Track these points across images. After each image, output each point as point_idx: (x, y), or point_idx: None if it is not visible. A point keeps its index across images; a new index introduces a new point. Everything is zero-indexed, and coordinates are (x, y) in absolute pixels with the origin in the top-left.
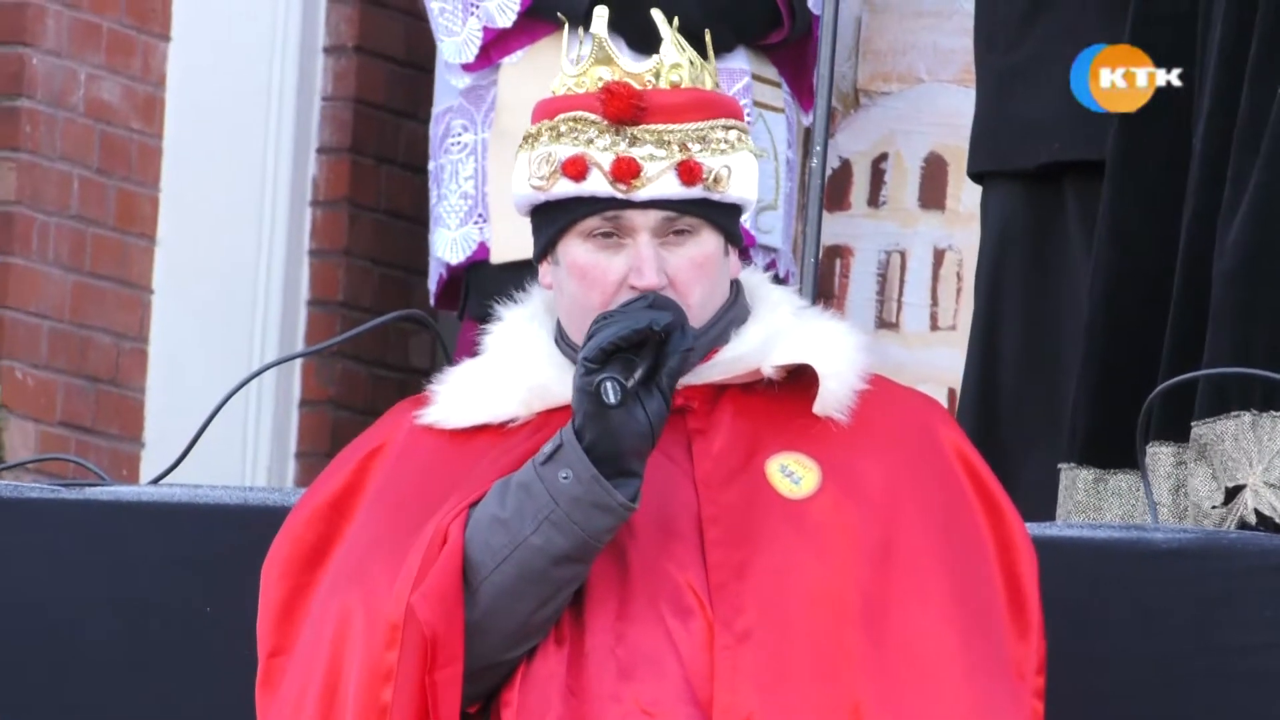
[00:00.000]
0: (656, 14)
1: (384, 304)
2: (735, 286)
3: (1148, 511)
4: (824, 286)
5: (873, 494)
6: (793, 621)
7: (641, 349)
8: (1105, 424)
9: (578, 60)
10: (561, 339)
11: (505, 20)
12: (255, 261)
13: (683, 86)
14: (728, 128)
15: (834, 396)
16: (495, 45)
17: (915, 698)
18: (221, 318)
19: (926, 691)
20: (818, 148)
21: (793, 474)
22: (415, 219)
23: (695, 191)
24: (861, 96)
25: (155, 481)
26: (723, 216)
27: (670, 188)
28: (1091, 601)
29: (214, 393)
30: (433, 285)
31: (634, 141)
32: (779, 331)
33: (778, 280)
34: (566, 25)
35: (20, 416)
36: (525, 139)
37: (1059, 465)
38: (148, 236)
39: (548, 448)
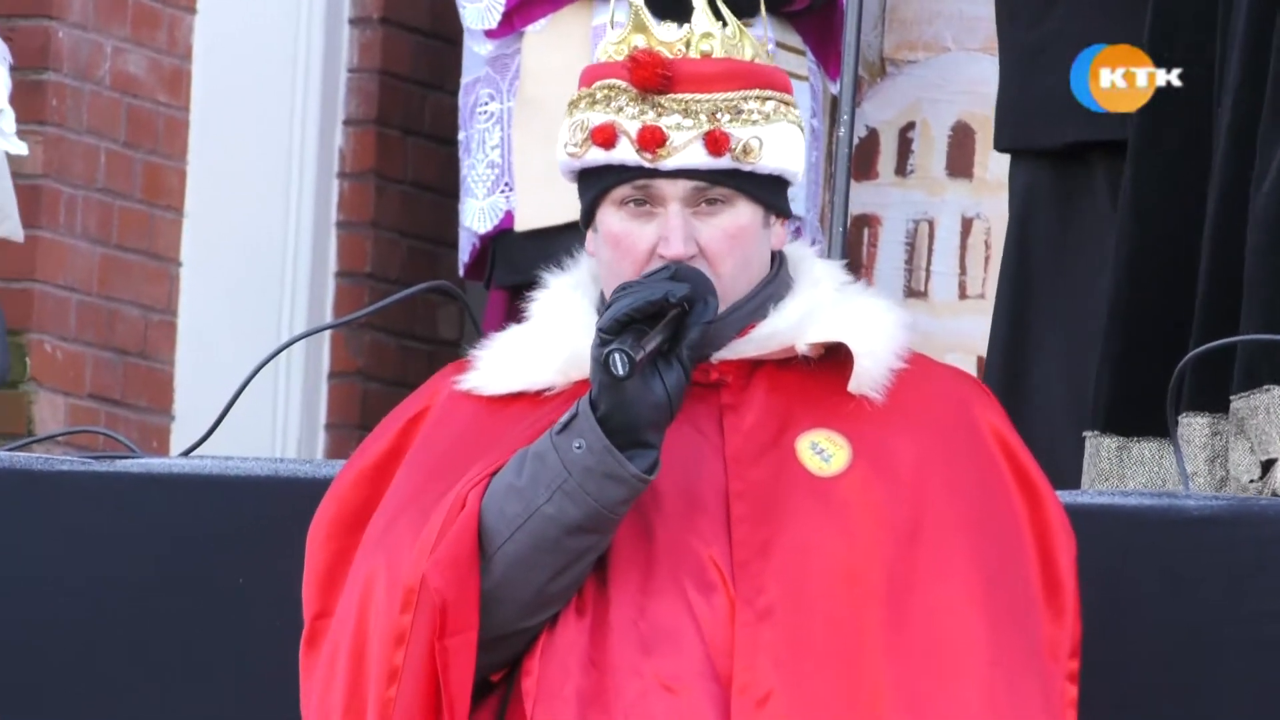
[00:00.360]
0: None
1: (411, 275)
2: (779, 259)
3: (1176, 480)
4: (852, 256)
5: (903, 473)
6: (815, 600)
7: (658, 320)
8: (1129, 393)
9: (616, 27)
10: (603, 307)
11: None
12: (283, 234)
13: (714, 56)
14: (764, 98)
15: (869, 375)
16: (518, 12)
17: (936, 679)
18: (249, 290)
19: (948, 672)
20: (845, 116)
21: (823, 451)
22: (442, 190)
23: (724, 162)
24: (888, 65)
25: (186, 454)
26: (759, 188)
27: (697, 157)
28: (1122, 569)
29: (243, 365)
30: (464, 256)
31: (661, 110)
32: (817, 308)
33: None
34: None
35: (49, 389)
36: (569, 105)
37: (1084, 433)
38: (175, 209)
39: (565, 417)
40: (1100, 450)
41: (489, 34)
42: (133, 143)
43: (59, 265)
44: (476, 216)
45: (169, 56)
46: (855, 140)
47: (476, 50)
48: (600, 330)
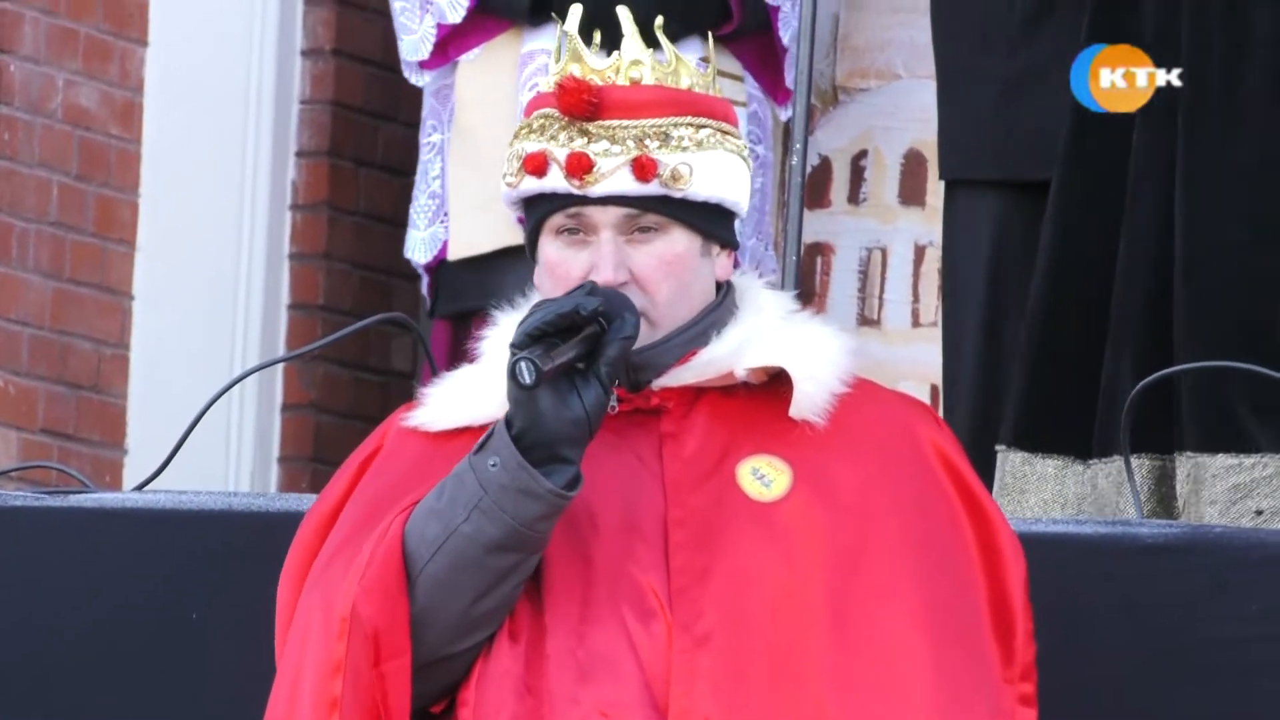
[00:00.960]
0: (621, 10)
1: (365, 307)
2: (725, 289)
3: (1076, 501)
4: (805, 284)
5: (845, 497)
6: (754, 626)
7: (572, 335)
8: (1036, 408)
9: (558, 58)
10: None
11: (455, 16)
12: (235, 266)
13: (644, 83)
14: (697, 126)
15: (809, 400)
16: (452, 42)
17: (880, 703)
18: (202, 323)
19: (892, 696)
20: (797, 145)
21: (764, 476)
22: (395, 221)
23: (652, 188)
24: (840, 93)
25: (139, 488)
26: (695, 216)
27: (625, 184)
28: (1078, 598)
29: (196, 398)
30: (425, 289)
31: (590, 137)
32: (757, 334)
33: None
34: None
35: (2, 425)
36: (512, 137)
37: (995, 446)
38: (127, 242)
39: (483, 438)
40: (1005, 464)
41: (423, 65)
42: (85, 175)
43: (11, 299)
44: (418, 247)
45: (121, 89)
46: (808, 169)
47: (414, 81)
48: (511, 345)
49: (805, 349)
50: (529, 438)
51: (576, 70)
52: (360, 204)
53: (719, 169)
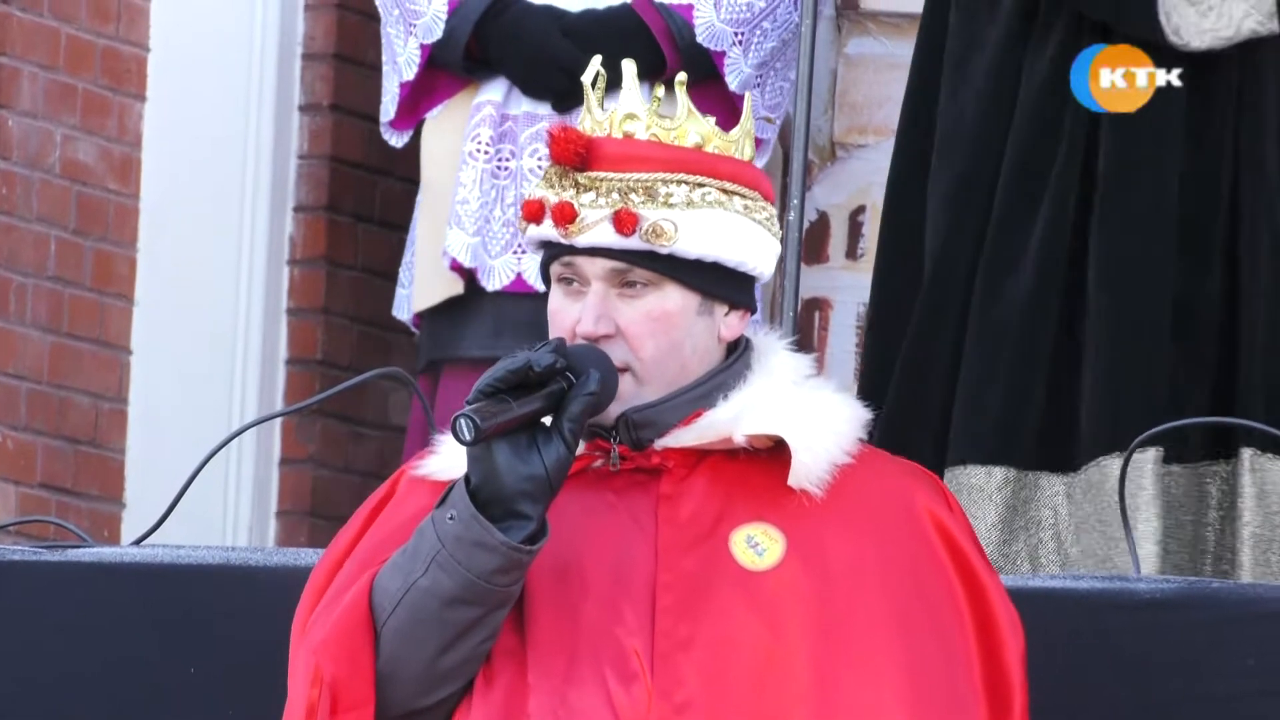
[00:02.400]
0: (627, 64)
1: (363, 362)
2: (742, 348)
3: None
4: (803, 340)
5: (836, 569)
6: (734, 695)
7: (531, 391)
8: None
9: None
10: None
11: (409, 74)
12: (234, 321)
13: (636, 138)
14: (693, 184)
15: (806, 469)
16: (424, 102)
17: None
18: (200, 377)
19: None
20: (795, 200)
21: (758, 545)
22: (392, 276)
23: (633, 242)
24: (838, 149)
25: (137, 542)
26: (689, 274)
27: (606, 236)
28: (1073, 653)
29: (194, 452)
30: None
31: (580, 188)
32: (762, 400)
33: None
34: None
35: (0, 479)
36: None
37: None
38: (125, 297)
39: (444, 492)
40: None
41: (393, 124)
42: (83, 230)
43: (9, 354)
44: (403, 305)
45: (119, 144)
46: (806, 224)
47: (392, 143)
48: (466, 400)
49: (808, 418)
50: (484, 493)
51: (588, 122)
52: (358, 259)
53: (714, 228)
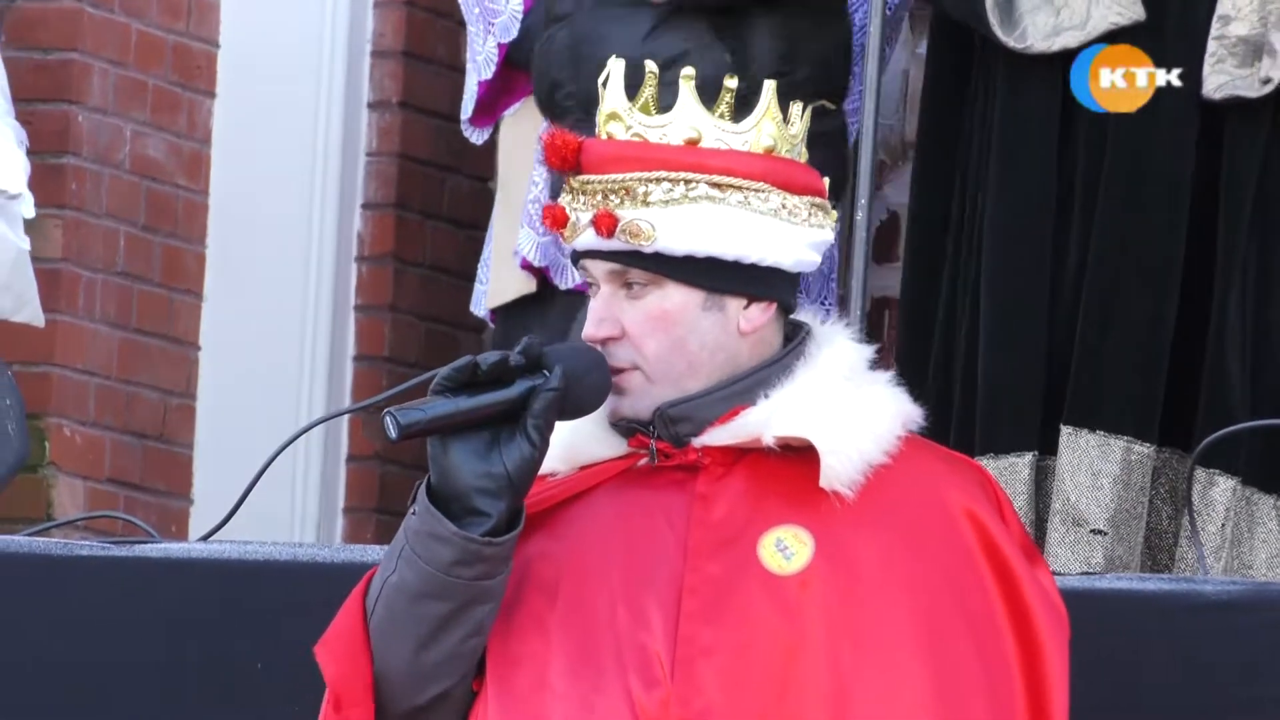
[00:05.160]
0: (614, 62)
1: (430, 359)
2: (800, 339)
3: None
4: (873, 339)
5: (864, 573)
6: (753, 702)
7: (482, 389)
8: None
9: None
10: None
11: (487, 72)
12: (301, 317)
13: (616, 138)
14: (676, 181)
15: (835, 472)
16: (501, 100)
17: None
18: (268, 373)
19: None
20: (863, 200)
21: (786, 548)
22: (460, 274)
23: (616, 244)
24: (909, 149)
25: (205, 538)
26: (687, 271)
27: (592, 239)
28: (1139, 654)
29: (261, 448)
30: None
31: (575, 192)
32: (799, 400)
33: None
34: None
35: (69, 474)
36: None
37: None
38: (194, 293)
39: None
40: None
41: (471, 121)
42: (152, 226)
43: (78, 349)
44: (479, 301)
45: (188, 140)
46: (876, 223)
47: (472, 140)
48: (432, 391)
49: (843, 418)
50: (443, 490)
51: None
52: (426, 256)
53: (701, 223)
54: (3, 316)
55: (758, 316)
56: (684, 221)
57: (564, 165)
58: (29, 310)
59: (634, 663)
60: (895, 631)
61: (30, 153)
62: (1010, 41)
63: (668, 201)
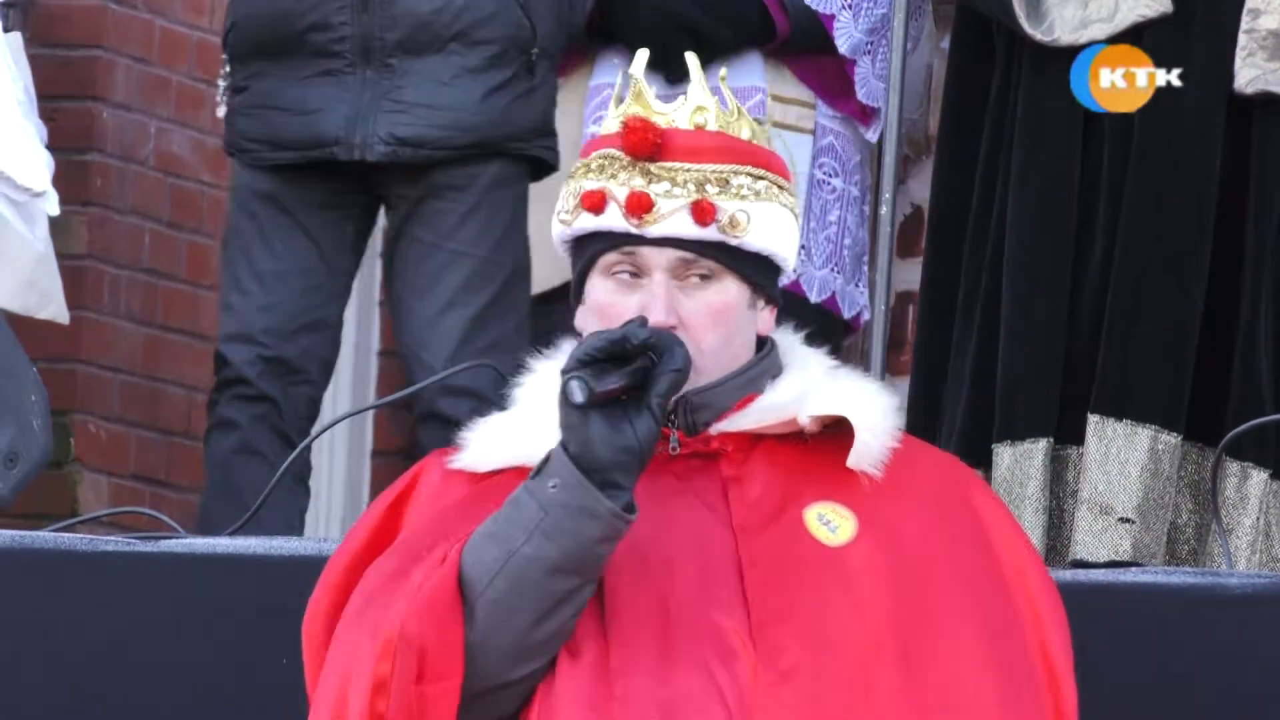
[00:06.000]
0: (690, 57)
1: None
2: (769, 345)
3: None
4: (896, 334)
5: (908, 547)
6: (831, 664)
7: (623, 364)
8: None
9: (619, 101)
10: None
11: None
12: None
13: (707, 129)
14: (756, 176)
15: (868, 450)
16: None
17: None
18: None
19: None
20: (887, 194)
21: (830, 522)
22: None
23: (710, 233)
24: (933, 143)
25: (230, 533)
26: (747, 266)
27: (683, 226)
28: (1165, 647)
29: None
30: None
31: (651, 178)
32: (815, 385)
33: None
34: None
35: (93, 470)
36: (568, 177)
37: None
38: (219, 289)
39: (538, 465)
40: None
41: None
42: (176, 222)
43: (103, 345)
44: None
45: (212, 136)
46: (900, 217)
47: None
48: (563, 371)
49: (860, 402)
50: (583, 461)
51: (639, 111)
52: None
53: (773, 221)
54: (27, 313)
55: (769, 318)
56: (765, 217)
57: (643, 151)
58: (53, 307)
59: (707, 639)
60: (946, 596)
61: (55, 149)
62: (1038, 35)
63: (757, 195)
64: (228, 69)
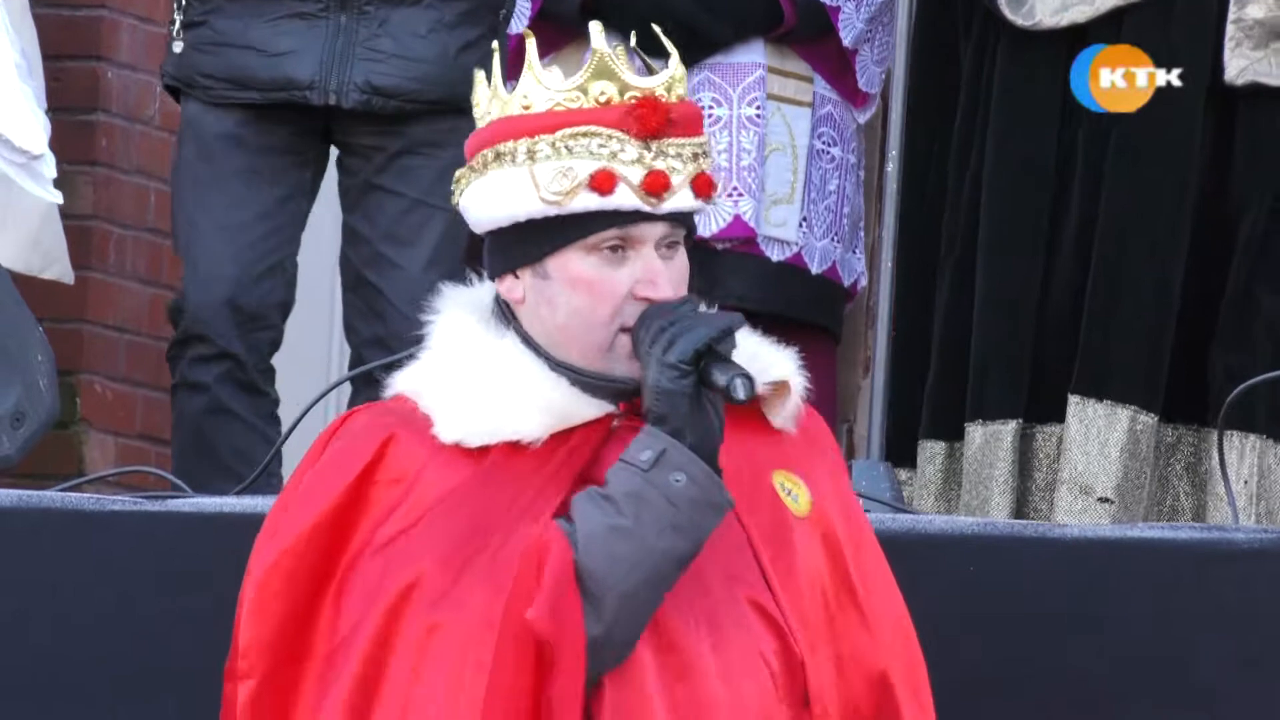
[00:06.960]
0: (655, 27)
1: None
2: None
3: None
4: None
5: (830, 509)
6: (820, 628)
7: (713, 352)
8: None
9: (566, 75)
10: (546, 357)
11: (519, 26)
12: (331, 270)
13: (687, 99)
14: (704, 140)
15: (797, 411)
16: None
17: (906, 640)
18: (298, 329)
19: (908, 631)
20: (893, 152)
21: (790, 492)
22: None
23: (699, 204)
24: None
25: (236, 492)
26: (690, 232)
27: (686, 200)
28: (1172, 603)
29: (292, 403)
30: None
31: (659, 155)
32: (757, 348)
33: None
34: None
35: (100, 429)
36: (498, 157)
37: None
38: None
39: (645, 455)
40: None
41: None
42: None
43: (109, 305)
44: None
45: None
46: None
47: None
48: (680, 363)
49: (782, 361)
50: (703, 451)
51: (610, 87)
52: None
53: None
54: (32, 273)
55: None
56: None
57: (655, 131)
58: (58, 267)
59: (749, 615)
60: (873, 548)
61: (59, 109)
62: (1018, 19)
63: (708, 159)
64: (183, 1)
